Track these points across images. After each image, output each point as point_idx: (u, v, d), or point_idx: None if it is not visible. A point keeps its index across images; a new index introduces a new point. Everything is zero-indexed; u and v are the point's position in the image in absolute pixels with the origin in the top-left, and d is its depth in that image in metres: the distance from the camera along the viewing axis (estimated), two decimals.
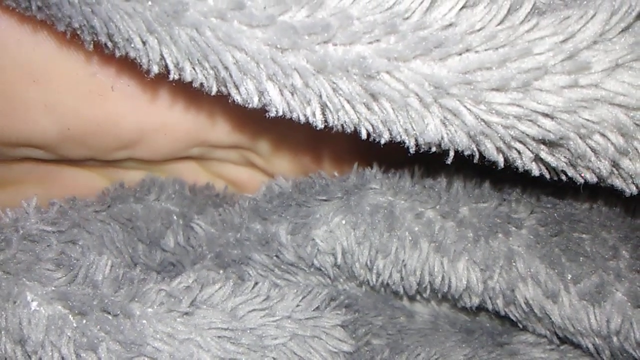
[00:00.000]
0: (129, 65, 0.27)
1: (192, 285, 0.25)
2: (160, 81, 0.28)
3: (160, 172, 0.34)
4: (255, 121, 0.30)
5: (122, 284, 0.24)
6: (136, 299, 0.23)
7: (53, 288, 0.23)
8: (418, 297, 0.32)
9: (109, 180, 0.34)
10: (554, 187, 0.30)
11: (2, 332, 0.23)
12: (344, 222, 0.29)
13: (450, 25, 0.19)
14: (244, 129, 0.31)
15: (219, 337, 0.24)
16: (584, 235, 0.28)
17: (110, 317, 0.23)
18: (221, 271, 0.30)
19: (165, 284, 0.24)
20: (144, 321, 0.23)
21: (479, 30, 0.19)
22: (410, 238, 0.28)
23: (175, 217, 0.31)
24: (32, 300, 0.23)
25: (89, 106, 0.28)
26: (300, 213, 0.29)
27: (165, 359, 0.23)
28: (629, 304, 0.26)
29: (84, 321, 0.23)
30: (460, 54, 0.19)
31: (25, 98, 0.27)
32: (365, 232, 0.28)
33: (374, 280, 0.30)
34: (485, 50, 0.19)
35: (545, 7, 0.20)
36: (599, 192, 0.30)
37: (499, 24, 0.19)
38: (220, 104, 0.29)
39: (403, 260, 0.28)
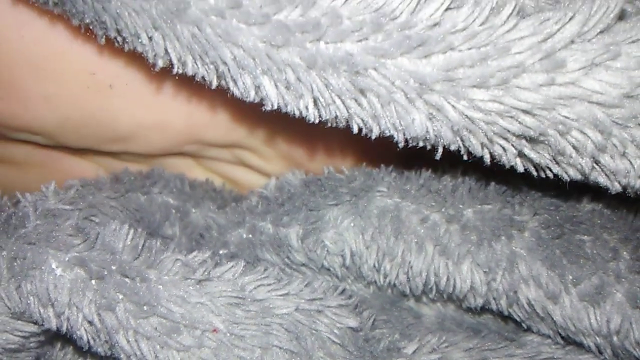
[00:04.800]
0: (127, 65, 0.30)
1: (207, 260, 0.27)
2: (158, 81, 0.31)
3: (158, 166, 0.37)
4: (249, 121, 0.33)
5: (141, 252, 0.26)
6: (153, 267, 0.26)
7: (74, 254, 0.26)
8: (424, 298, 0.33)
9: (106, 170, 0.37)
10: (558, 189, 0.32)
11: (33, 297, 0.26)
12: (352, 224, 0.31)
13: (435, 25, 0.21)
14: (237, 129, 0.33)
15: (228, 303, 0.26)
16: (585, 237, 0.29)
17: (127, 280, 0.25)
18: None
19: (182, 255, 0.27)
20: (160, 286, 0.25)
21: (461, 30, 0.21)
22: (416, 241, 0.30)
23: (173, 211, 0.34)
24: (56, 267, 0.25)
25: (87, 101, 0.31)
26: (310, 219, 0.31)
27: (177, 318, 0.25)
28: (628, 304, 0.27)
29: (103, 284, 0.25)
30: (443, 52, 0.21)
31: (26, 87, 0.30)
32: (373, 235, 0.30)
33: (382, 281, 0.32)
34: (467, 49, 0.21)
35: (533, 10, 0.22)
36: (602, 194, 0.31)
37: (480, 25, 0.21)
38: (214, 103, 0.32)
39: (409, 262, 0.30)
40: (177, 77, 0.25)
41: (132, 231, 0.27)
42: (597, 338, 0.28)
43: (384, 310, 0.33)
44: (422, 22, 0.21)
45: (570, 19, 0.21)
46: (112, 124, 0.32)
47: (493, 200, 0.30)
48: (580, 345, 0.30)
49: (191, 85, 0.30)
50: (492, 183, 0.31)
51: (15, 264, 0.26)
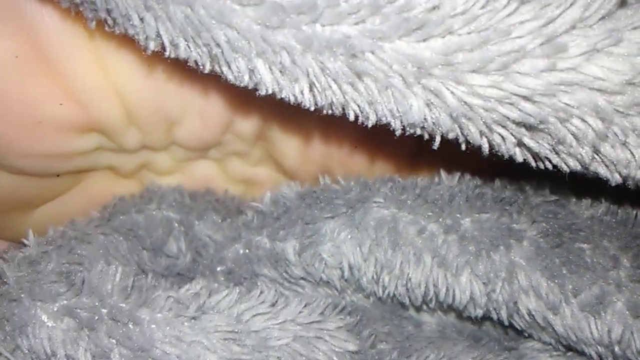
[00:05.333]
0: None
1: (200, 292, 0.27)
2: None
3: (187, 176, 0.37)
4: (270, 111, 0.33)
5: (131, 291, 0.26)
6: (145, 305, 0.26)
7: (63, 303, 0.25)
8: (425, 307, 0.33)
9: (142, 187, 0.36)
10: (556, 195, 0.31)
11: (32, 355, 0.25)
12: (349, 237, 0.30)
13: (434, 8, 0.21)
14: (261, 116, 0.33)
15: (224, 339, 0.25)
16: (584, 245, 0.29)
17: (119, 325, 0.25)
18: (232, 284, 0.32)
19: (174, 291, 0.27)
20: (153, 326, 0.25)
21: (461, 13, 0.20)
22: (413, 252, 0.29)
23: (176, 224, 0.34)
24: (47, 319, 0.25)
25: (145, 86, 0.30)
26: (307, 232, 0.31)
27: None
28: (629, 313, 0.27)
29: (95, 333, 0.25)
30: (442, 36, 0.21)
31: (95, 85, 0.29)
32: (371, 247, 0.30)
33: (381, 292, 0.31)
34: (467, 33, 0.21)
35: None
36: (601, 200, 0.31)
37: (481, 8, 0.21)
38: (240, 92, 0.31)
39: (408, 274, 0.30)
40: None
41: (120, 270, 0.27)
42: (599, 347, 0.28)
43: (384, 319, 0.33)
44: (421, 4, 0.21)
45: (572, 3, 0.20)
46: (162, 107, 0.31)
47: (491, 209, 0.30)
48: (582, 354, 0.29)
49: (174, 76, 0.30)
50: (490, 191, 0.31)
51: (5, 323, 0.26)
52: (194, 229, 0.34)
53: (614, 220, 0.31)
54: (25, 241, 0.30)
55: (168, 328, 0.25)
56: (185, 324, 0.25)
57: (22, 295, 0.26)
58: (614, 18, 0.21)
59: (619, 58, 0.20)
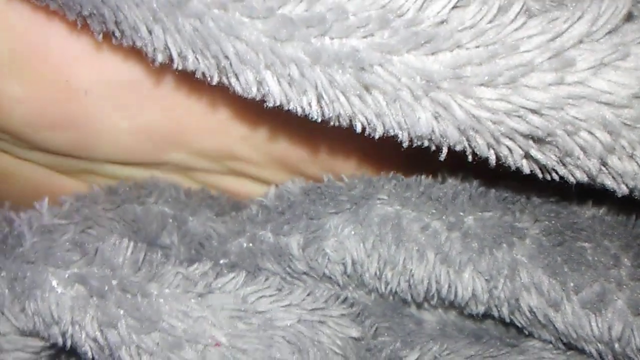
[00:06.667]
0: (107, 70, 0.30)
1: (208, 272, 0.27)
2: (145, 87, 0.30)
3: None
4: (247, 121, 0.33)
5: (142, 265, 0.27)
6: (154, 280, 0.26)
7: (74, 270, 0.26)
8: (426, 304, 0.33)
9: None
10: (558, 195, 0.32)
11: (37, 317, 0.26)
12: (353, 233, 0.30)
13: (442, 22, 0.21)
14: (233, 132, 0.33)
15: (230, 317, 0.26)
16: (586, 244, 0.29)
17: (128, 296, 0.25)
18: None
19: (183, 268, 0.27)
20: (161, 300, 0.26)
21: (469, 27, 0.21)
22: (417, 249, 0.30)
23: (170, 220, 0.34)
24: (57, 285, 0.26)
25: (58, 106, 0.30)
26: (311, 227, 0.31)
27: (179, 333, 0.25)
28: (630, 311, 0.27)
29: (104, 301, 0.25)
30: (451, 50, 0.21)
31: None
32: (374, 243, 0.30)
33: (383, 288, 0.32)
34: (475, 46, 0.21)
35: (539, 12, 0.22)
36: (603, 200, 0.31)
37: (488, 22, 0.21)
38: (209, 106, 0.31)
39: (410, 271, 0.30)
40: (171, 80, 0.24)
41: (132, 244, 0.27)
42: (599, 345, 0.28)
43: (386, 317, 0.33)
44: (429, 19, 0.21)
45: (579, 18, 0.21)
46: (86, 129, 0.31)
47: (494, 208, 0.30)
48: (582, 351, 0.30)
49: (182, 89, 0.30)
50: (493, 190, 0.31)
51: (15, 284, 0.26)
52: (188, 224, 0.34)
53: (614, 220, 0.31)
54: (38, 206, 0.30)
55: (175, 303, 0.25)
56: (193, 300, 0.26)
57: (37, 259, 0.26)
58: (621, 32, 0.21)
59: (626, 72, 0.21)
